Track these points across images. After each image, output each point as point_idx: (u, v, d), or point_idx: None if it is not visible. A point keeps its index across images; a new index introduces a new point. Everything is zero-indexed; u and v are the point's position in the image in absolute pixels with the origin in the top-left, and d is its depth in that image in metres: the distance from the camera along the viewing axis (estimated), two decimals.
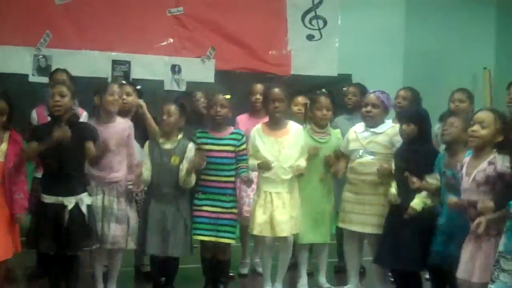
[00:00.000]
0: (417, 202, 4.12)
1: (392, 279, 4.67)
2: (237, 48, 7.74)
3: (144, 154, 4.51)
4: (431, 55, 8.72)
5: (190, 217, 4.51)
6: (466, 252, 3.58)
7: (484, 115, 3.53)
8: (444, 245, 3.97)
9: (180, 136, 4.53)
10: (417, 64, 8.56)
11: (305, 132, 4.76)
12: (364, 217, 4.60)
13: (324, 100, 4.80)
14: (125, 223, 4.36)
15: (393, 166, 4.41)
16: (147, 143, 4.55)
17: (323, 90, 4.96)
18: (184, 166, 4.39)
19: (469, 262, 3.54)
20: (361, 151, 4.62)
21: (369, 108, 4.67)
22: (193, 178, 4.42)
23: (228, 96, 4.64)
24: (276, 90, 4.61)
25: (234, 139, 4.56)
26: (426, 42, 8.71)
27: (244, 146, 4.59)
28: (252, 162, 4.55)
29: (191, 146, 4.48)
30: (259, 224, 4.51)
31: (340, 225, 4.79)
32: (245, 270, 5.36)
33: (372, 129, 4.67)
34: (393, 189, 4.36)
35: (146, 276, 4.97)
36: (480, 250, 3.50)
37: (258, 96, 5.21)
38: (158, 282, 4.62)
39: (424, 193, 4.13)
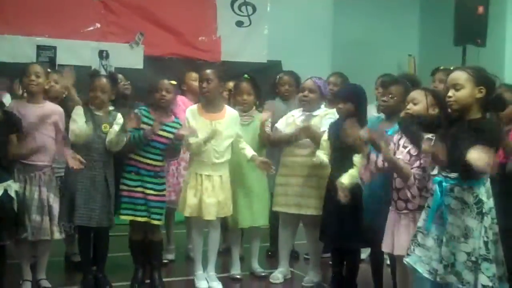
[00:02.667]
0: (345, 177, 4.19)
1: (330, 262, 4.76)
2: (166, 34, 7.67)
3: (77, 114, 4.39)
4: (359, 42, 8.91)
5: (114, 190, 4.45)
6: (388, 225, 3.71)
7: (414, 94, 3.64)
8: (370, 219, 4.07)
9: (111, 107, 4.48)
10: (345, 51, 8.72)
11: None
12: (301, 199, 4.66)
13: (244, 85, 4.85)
14: (48, 213, 4.26)
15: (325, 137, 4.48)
16: (79, 107, 4.45)
17: (245, 75, 4.98)
18: (115, 129, 4.34)
19: (391, 235, 3.66)
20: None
21: (306, 93, 4.74)
22: (123, 139, 4.36)
23: (174, 82, 4.61)
24: (206, 70, 4.60)
25: (173, 127, 4.52)
26: (353, 30, 8.89)
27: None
28: (192, 139, 4.50)
29: (120, 116, 4.43)
30: (190, 206, 4.50)
31: (276, 208, 4.83)
32: (171, 256, 5.33)
33: (307, 113, 4.75)
34: (320, 154, 4.43)
35: (76, 265, 4.87)
36: (400, 223, 3.62)
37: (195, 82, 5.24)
38: (88, 271, 4.53)
39: (353, 170, 4.20)
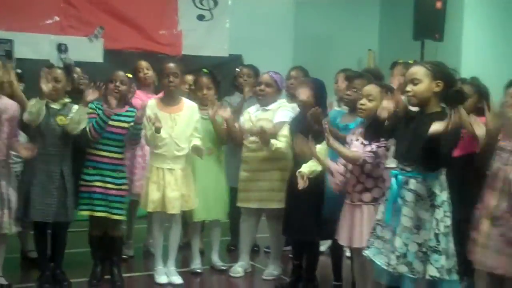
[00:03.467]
0: (305, 166, 4.21)
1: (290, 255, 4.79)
2: (126, 27, 7.59)
3: (31, 102, 4.32)
4: (320, 37, 8.95)
5: (72, 184, 4.39)
6: (343, 218, 3.76)
7: (371, 89, 3.68)
8: (329, 212, 4.10)
9: (67, 100, 4.42)
10: (306, 46, 8.75)
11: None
12: (262, 194, 4.68)
13: (204, 80, 4.84)
14: (6, 206, 4.19)
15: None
16: (34, 100, 4.37)
17: (204, 70, 4.98)
18: (73, 115, 4.29)
19: (347, 228, 3.71)
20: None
21: (262, 87, 4.77)
22: (84, 117, 4.30)
23: (129, 75, 4.58)
24: (171, 64, 4.58)
25: (128, 116, 4.47)
26: (314, 24, 8.93)
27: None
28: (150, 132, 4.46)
29: (76, 107, 4.38)
30: (153, 201, 4.48)
31: (240, 204, 4.84)
32: (130, 252, 5.29)
33: (263, 107, 4.77)
34: (274, 141, 4.44)
35: (33, 262, 4.80)
36: (355, 216, 3.67)
37: (146, 71, 5.27)
38: (45, 267, 4.47)
39: (312, 160, 4.23)
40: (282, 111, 4.68)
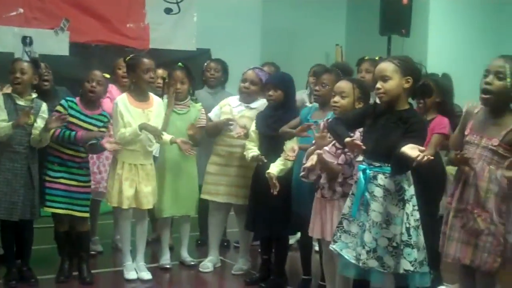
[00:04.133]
0: (273, 167, 4.23)
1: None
2: (93, 20, 7.48)
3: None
4: (288, 32, 8.98)
5: (38, 181, 4.33)
6: (315, 212, 3.78)
7: (343, 85, 3.70)
8: (297, 206, 4.12)
9: (34, 95, 4.34)
10: (274, 40, 8.77)
11: (164, 104, 4.73)
12: (231, 189, 4.68)
13: (178, 74, 4.80)
14: None
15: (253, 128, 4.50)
16: (0, 96, 4.30)
17: (179, 64, 4.95)
18: (40, 124, 4.22)
19: (320, 222, 3.73)
20: (231, 126, 4.68)
21: (247, 84, 4.72)
22: (47, 138, 4.24)
23: (107, 75, 4.53)
24: (150, 60, 4.55)
25: (100, 120, 4.44)
26: (282, 19, 8.95)
27: (104, 130, 4.50)
28: (123, 130, 4.42)
29: (45, 107, 4.31)
30: (128, 197, 4.45)
31: (206, 197, 4.83)
32: (98, 248, 5.25)
33: (246, 104, 4.75)
34: (249, 152, 4.44)
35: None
36: (327, 211, 3.69)
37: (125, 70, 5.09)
38: (12, 264, 4.40)
39: (280, 159, 4.24)
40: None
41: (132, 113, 4.47)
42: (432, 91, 3.41)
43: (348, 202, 3.42)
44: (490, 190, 2.97)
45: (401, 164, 3.08)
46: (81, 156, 4.43)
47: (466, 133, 3.21)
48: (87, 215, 4.51)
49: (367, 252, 3.22)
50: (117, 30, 7.64)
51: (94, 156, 4.88)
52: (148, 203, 4.51)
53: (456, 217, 3.06)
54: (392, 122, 3.19)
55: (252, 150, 4.43)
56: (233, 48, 7.57)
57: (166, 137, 4.53)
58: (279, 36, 8.89)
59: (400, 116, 3.19)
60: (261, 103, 4.72)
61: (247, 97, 4.75)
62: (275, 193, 4.14)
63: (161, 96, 4.89)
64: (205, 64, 5.69)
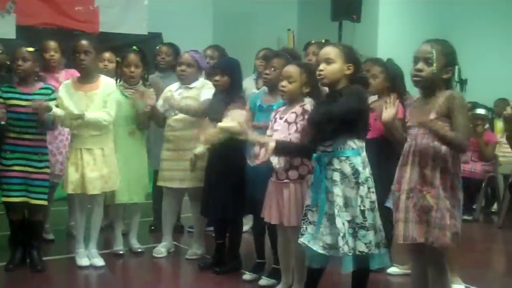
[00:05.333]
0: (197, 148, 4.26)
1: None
2: (40, 3, 7.34)
3: None
4: (240, 16, 8.96)
5: None
6: (269, 196, 3.80)
7: (291, 70, 3.72)
8: (252, 189, 4.13)
9: None
10: (226, 24, 8.74)
11: (117, 88, 4.67)
12: (185, 173, 4.66)
13: (132, 57, 4.75)
14: None
15: None
16: None
17: (134, 47, 4.89)
18: None
19: (276, 206, 3.75)
20: (176, 110, 4.67)
21: (183, 67, 4.73)
22: None
23: (30, 49, 4.36)
24: (83, 41, 4.44)
25: (43, 94, 4.33)
26: (234, 3, 8.92)
27: (53, 103, 4.37)
28: (55, 110, 4.32)
29: None
30: (72, 182, 4.38)
31: (161, 183, 4.81)
32: (50, 236, 5.16)
33: (185, 85, 4.76)
34: (197, 149, 4.44)
35: None
36: (283, 194, 3.71)
37: (52, 53, 4.98)
38: None
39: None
40: (208, 90, 4.67)
41: (73, 96, 4.38)
42: (367, 84, 3.49)
43: (309, 192, 3.45)
44: (435, 167, 3.06)
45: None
46: (36, 139, 4.32)
47: (407, 120, 3.27)
48: (43, 202, 4.36)
49: (342, 237, 3.24)
50: (65, 13, 7.51)
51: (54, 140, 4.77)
52: (93, 189, 4.40)
53: (408, 198, 3.12)
54: (332, 102, 3.27)
55: (199, 147, 4.43)
56: (185, 32, 7.52)
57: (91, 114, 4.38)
58: (231, 20, 8.86)
59: (336, 93, 3.29)
60: (200, 82, 4.75)
61: (185, 80, 4.76)
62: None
63: (115, 78, 4.82)
64: (157, 48, 5.64)
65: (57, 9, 7.47)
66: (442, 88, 3.11)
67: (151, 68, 5.46)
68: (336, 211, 3.26)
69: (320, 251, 3.30)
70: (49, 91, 4.35)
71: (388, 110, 3.14)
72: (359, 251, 3.26)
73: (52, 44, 5.01)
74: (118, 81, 4.77)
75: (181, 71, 4.75)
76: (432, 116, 3.05)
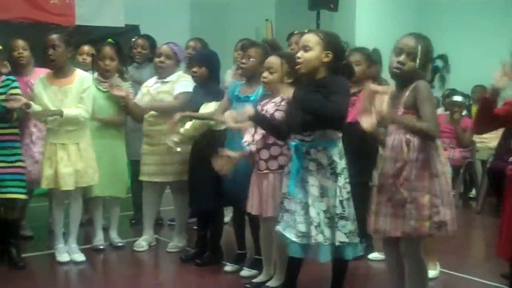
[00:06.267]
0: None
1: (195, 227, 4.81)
2: None
3: None
4: (217, 7, 8.92)
5: None
6: (252, 187, 3.81)
7: (272, 61, 3.72)
8: (232, 182, 4.12)
9: None
10: (203, 15, 8.71)
11: (93, 81, 4.64)
12: (165, 167, 4.66)
13: (107, 50, 4.72)
14: None
15: None
16: None
17: (109, 40, 4.86)
18: None
19: (258, 197, 3.76)
20: None
21: (162, 58, 4.72)
22: None
23: None
24: (51, 36, 4.39)
25: (4, 86, 4.26)
26: None
27: (16, 91, 4.27)
28: (34, 107, 4.29)
29: None
30: (46, 177, 4.35)
31: (142, 178, 4.80)
32: (27, 232, 5.12)
33: (161, 80, 4.73)
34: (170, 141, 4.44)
35: None
36: (263, 185, 3.73)
37: (21, 51, 4.91)
38: None
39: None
40: (182, 82, 4.66)
41: (48, 91, 4.35)
42: (352, 72, 3.47)
43: (286, 181, 3.46)
44: (410, 159, 3.07)
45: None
46: (4, 133, 4.25)
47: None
48: (20, 196, 4.31)
49: (315, 227, 3.26)
50: (40, 7, 7.42)
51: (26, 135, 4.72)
52: (65, 185, 4.35)
53: (380, 192, 3.13)
54: (313, 91, 3.24)
55: (172, 136, 4.41)
56: (162, 23, 7.49)
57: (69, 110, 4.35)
58: (208, 11, 8.83)
59: (319, 83, 3.27)
60: (176, 76, 4.73)
61: (162, 72, 4.73)
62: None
63: (91, 72, 4.79)
64: (133, 40, 5.62)
65: (32, 3, 7.39)
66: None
67: (128, 61, 5.44)
68: (310, 200, 3.28)
69: (294, 239, 3.31)
70: (9, 82, 4.28)
71: (367, 119, 3.04)
72: (340, 242, 3.28)
73: (20, 42, 4.95)
74: (94, 75, 4.74)
75: (160, 62, 4.72)
76: (400, 110, 3.06)
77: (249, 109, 3.57)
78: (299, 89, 3.35)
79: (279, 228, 3.40)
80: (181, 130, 4.35)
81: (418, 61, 3.06)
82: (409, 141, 3.06)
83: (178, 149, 4.43)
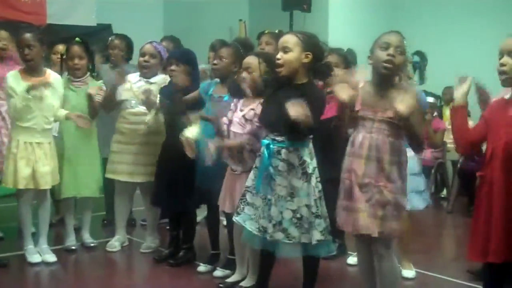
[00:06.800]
0: (189, 131, 4.22)
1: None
2: None
3: None
4: (191, 5, 8.90)
5: None
6: (225, 186, 3.82)
7: (249, 61, 3.73)
8: (205, 181, 4.12)
9: None
10: (177, 14, 8.68)
11: (63, 81, 4.60)
12: (135, 167, 4.63)
13: (75, 49, 4.67)
14: None
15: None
16: None
17: (77, 39, 4.81)
18: None
19: (230, 196, 3.77)
20: (133, 101, 4.62)
21: (146, 57, 4.66)
22: None
23: None
24: (25, 35, 4.35)
25: None
26: None
27: None
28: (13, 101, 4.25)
29: None
30: (25, 177, 4.28)
31: (110, 176, 4.75)
32: None
33: (146, 79, 4.68)
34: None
35: None
36: (236, 185, 3.73)
37: (4, 42, 4.90)
38: None
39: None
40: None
41: (20, 88, 4.29)
42: (331, 72, 3.47)
43: (251, 175, 3.48)
44: (392, 161, 3.08)
45: (295, 132, 3.19)
46: None
47: (357, 109, 3.22)
48: None
49: (274, 225, 3.29)
50: (11, 5, 7.34)
51: None
52: (45, 183, 4.34)
53: (363, 192, 3.12)
54: (290, 95, 3.22)
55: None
56: (135, 22, 7.45)
57: (61, 112, 4.40)
58: (182, 9, 8.80)
59: (299, 90, 3.26)
60: (160, 78, 4.69)
61: (147, 71, 4.69)
62: (193, 156, 4.05)
63: (60, 72, 4.74)
64: (109, 39, 5.56)
65: (3, 1, 7.31)
66: (396, 81, 3.12)
67: (103, 59, 5.39)
68: (273, 199, 3.30)
69: (255, 232, 3.36)
70: None
71: (344, 89, 3.05)
72: (317, 240, 3.31)
73: (3, 33, 4.93)
74: (63, 74, 4.70)
75: (145, 61, 4.66)
76: (391, 113, 3.05)
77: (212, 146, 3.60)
78: (281, 91, 3.33)
79: (238, 219, 3.45)
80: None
81: (408, 55, 3.07)
82: (394, 144, 3.08)
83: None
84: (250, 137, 3.67)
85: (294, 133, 3.23)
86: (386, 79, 3.12)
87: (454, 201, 6.67)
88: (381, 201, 3.05)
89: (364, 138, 3.12)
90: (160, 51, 4.71)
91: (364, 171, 3.09)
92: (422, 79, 4.27)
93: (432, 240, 5.60)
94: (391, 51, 3.05)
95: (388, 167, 3.06)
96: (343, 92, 3.04)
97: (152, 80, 4.68)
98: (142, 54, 4.70)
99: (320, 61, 3.35)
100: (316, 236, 3.31)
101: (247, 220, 3.41)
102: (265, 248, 3.45)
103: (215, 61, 4.16)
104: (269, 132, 3.38)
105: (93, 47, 4.91)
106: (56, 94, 4.43)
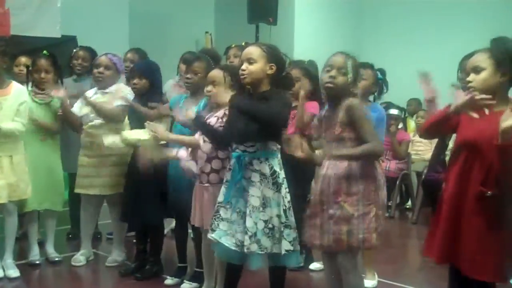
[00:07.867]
0: (130, 134, 4.27)
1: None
2: None
3: None
4: (157, 17, 8.88)
5: None
6: (195, 199, 3.79)
7: (215, 74, 3.73)
8: (176, 194, 4.12)
9: None
10: (143, 26, 8.65)
11: (28, 93, 4.54)
12: (103, 179, 4.60)
13: (42, 62, 4.64)
14: None
15: None
16: None
17: (44, 52, 4.77)
18: None
19: (199, 209, 3.75)
20: (91, 115, 4.59)
21: (101, 69, 4.65)
22: None
23: None
24: None
25: None
26: (150, 4, 8.84)
27: None
28: None
29: None
30: None
31: (78, 190, 4.71)
32: None
33: (100, 90, 4.67)
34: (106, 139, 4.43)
35: None
36: (204, 198, 3.71)
37: None
38: None
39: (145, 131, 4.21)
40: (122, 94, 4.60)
41: None
42: (292, 83, 3.54)
43: (223, 189, 3.47)
44: (350, 176, 3.13)
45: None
46: None
47: (320, 134, 3.34)
48: None
49: (250, 237, 3.28)
50: None
51: None
52: (0, 198, 4.24)
53: (322, 210, 3.17)
54: (256, 101, 3.29)
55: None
56: (100, 34, 7.38)
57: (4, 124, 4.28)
58: (147, 21, 8.78)
59: (262, 96, 3.31)
60: (116, 88, 4.67)
61: (102, 83, 4.68)
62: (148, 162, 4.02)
63: (26, 84, 4.68)
64: (74, 50, 5.53)
65: None
66: (346, 99, 3.17)
67: (66, 72, 5.35)
68: (248, 210, 3.30)
69: (233, 247, 3.33)
70: None
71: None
72: (286, 250, 3.32)
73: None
74: (29, 86, 4.64)
75: (99, 73, 4.66)
76: (337, 130, 3.12)
77: (191, 112, 3.57)
78: (240, 99, 3.37)
79: (214, 236, 3.40)
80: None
81: (349, 75, 3.14)
82: (351, 160, 3.13)
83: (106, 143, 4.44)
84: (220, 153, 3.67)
85: (263, 134, 3.27)
86: (331, 99, 3.22)
87: (419, 212, 6.75)
88: (344, 216, 3.09)
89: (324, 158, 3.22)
90: (115, 63, 4.70)
91: (321, 189, 3.16)
92: (379, 95, 4.45)
93: (397, 250, 5.66)
94: (333, 72, 3.14)
95: (346, 182, 3.11)
96: (297, 151, 3.13)
97: (107, 90, 4.66)
98: (97, 66, 4.69)
99: (282, 73, 3.40)
100: (285, 246, 3.32)
101: (222, 236, 3.38)
102: (244, 262, 3.42)
103: (188, 75, 4.16)
104: (239, 144, 3.39)
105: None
106: (15, 106, 4.32)
